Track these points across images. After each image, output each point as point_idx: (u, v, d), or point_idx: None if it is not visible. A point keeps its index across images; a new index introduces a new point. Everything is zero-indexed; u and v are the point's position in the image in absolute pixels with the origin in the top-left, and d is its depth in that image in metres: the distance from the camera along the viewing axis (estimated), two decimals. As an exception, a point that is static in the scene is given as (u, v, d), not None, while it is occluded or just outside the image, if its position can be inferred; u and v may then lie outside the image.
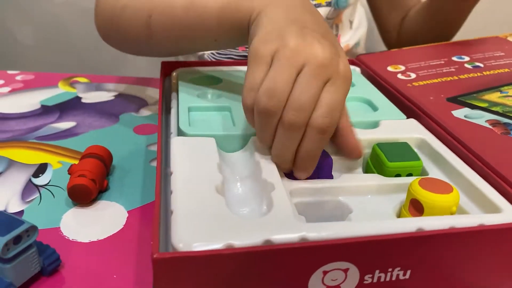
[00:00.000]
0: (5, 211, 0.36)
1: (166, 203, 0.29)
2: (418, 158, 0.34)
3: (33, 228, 0.28)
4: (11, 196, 0.38)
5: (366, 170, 0.36)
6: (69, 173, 0.38)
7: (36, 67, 1.55)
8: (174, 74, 0.47)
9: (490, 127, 0.38)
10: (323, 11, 0.69)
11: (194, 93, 0.42)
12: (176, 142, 0.34)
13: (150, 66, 1.54)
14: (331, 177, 0.33)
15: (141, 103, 0.57)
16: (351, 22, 0.76)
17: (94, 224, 0.36)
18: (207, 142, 0.34)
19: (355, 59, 0.54)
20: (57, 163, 0.43)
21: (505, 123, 0.38)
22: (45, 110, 0.54)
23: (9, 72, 0.64)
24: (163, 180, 0.32)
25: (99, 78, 0.63)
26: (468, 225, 0.27)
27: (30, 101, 0.56)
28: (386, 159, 0.33)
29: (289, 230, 0.25)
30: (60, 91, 0.59)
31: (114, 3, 0.46)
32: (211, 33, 0.41)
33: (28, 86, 0.60)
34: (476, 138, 0.36)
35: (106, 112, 0.54)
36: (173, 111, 0.40)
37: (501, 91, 0.43)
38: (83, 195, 0.36)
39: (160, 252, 0.23)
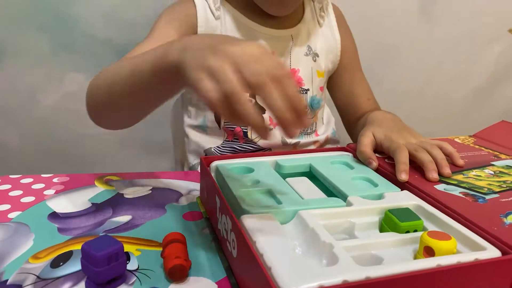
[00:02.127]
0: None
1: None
2: (419, 218, 0.47)
3: None
4: None
5: (381, 230, 0.48)
6: (162, 257, 0.47)
7: (22, 168, 1.53)
8: (213, 165, 0.58)
9: (464, 197, 0.52)
10: None
11: (238, 180, 0.54)
12: (246, 219, 0.44)
13: (131, 161, 1.59)
14: None
15: (177, 194, 0.66)
16: (322, 119, 0.93)
17: (194, 297, 0.44)
18: (268, 217, 0.45)
19: (346, 147, 0.68)
20: (136, 251, 0.51)
21: (472, 194, 0.52)
22: (98, 207, 0.61)
23: (44, 175, 0.71)
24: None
25: (127, 175, 0.72)
26: (469, 260, 0.39)
27: (79, 200, 0.63)
28: (399, 221, 0.46)
29: (356, 273, 0.36)
30: (101, 189, 0.67)
31: (93, 85, 0.62)
32: (146, 80, 0.50)
33: (68, 187, 0.67)
34: (456, 203, 0.49)
35: (152, 204, 0.62)
36: (226, 194, 0.51)
37: (463, 174, 0.58)
38: (181, 273, 0.45)
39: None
